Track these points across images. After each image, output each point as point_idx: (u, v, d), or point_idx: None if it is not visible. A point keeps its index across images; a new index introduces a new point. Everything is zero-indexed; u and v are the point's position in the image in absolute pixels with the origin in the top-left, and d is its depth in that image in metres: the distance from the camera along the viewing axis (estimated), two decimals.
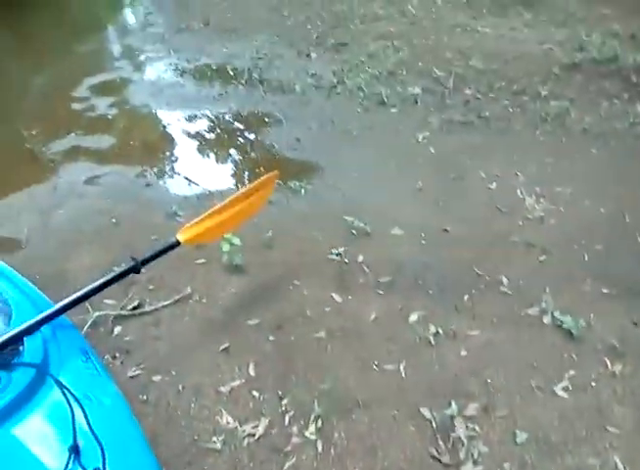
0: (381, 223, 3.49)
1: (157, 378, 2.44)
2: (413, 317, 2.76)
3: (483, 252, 3.26)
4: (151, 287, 2.96)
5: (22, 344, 1.85)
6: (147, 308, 2.84)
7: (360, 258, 3.18)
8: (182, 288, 2.96)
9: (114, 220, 3.61)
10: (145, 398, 2.35)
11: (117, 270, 2.11)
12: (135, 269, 2.14)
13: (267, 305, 2.82)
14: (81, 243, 3.39)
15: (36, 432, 1.57)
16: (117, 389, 1.78)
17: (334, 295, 2.90)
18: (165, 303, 2.87)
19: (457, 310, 2.84)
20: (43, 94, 6.27)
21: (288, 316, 2.76)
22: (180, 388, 2.39)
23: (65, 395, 1.61)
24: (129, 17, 10.83)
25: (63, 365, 1.80)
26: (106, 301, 2.89)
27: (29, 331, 1.91)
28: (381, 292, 2.93)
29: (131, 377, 2.46)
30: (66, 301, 2.06)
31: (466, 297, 2.92)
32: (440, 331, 2.68)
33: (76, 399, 1.61)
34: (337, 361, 2.52)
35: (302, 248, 3.28)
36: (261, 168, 4.25)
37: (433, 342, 2.62)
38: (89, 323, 2.71)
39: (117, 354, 2.58)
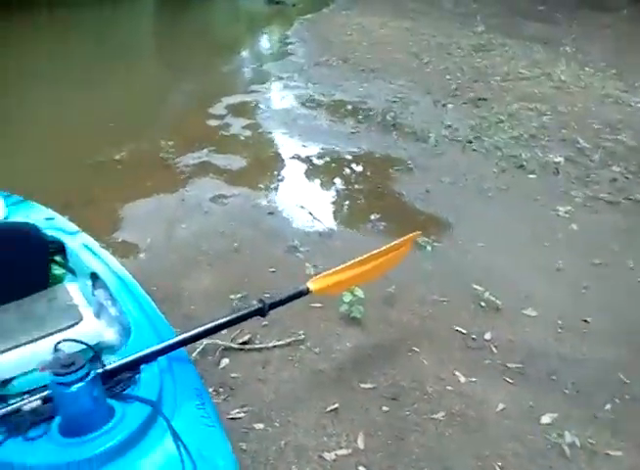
0: (513, 299, 3.18)
1: (259, 426, 2.27)
2: (545, 419, 2.41)
3: (631, 354, 2.85)
4: (264, 323, 2.83)
5: (139, 372, 1.74)
6: (257, 345, 2.71)
7: (488, 336, 2.88)
8: (295, 331, 2.81)
9: (235, 245, 3.56)
10: (244, 447, 2.18)
11: (243, 311, 2.00)
12: (261, 312, 2.01)
13: (383, 369, 2.59)
14: (201, 263, 3.35)
15: None
16: (231, 449, 1.63)
17: (456, 372, 2.62)
18: (276, 343, 2.72)
19: (596, 420, 2.46)
20: (184, 107, 6.54)
21: (404, 387, 2.51)
22: (282, 444, 2.20)
23: (179, 448, 1.47)
24: (269, 43, 11.26)
25: (177, 408, 1.65)
26: None
27: (148, 359, 1.80)
28: (509, 380, 2.62)
29: (232, 418, 2.31)
30: (188, 333, 1.94)
31: (608, 406, 2.53)
32: (577, 442, 2.32)
33: (190, 457, 1.46)
34: (454, 453, 2.23)
35: (425, 312, 3.04)
36: (387, 215, 4.08)
37: (568, 454, 2.27)
38: (198, 350, 2.61)
39: (221, 389, 2.44)
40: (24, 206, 2.93)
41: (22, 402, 1.56)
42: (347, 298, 2.86)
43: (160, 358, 1.81)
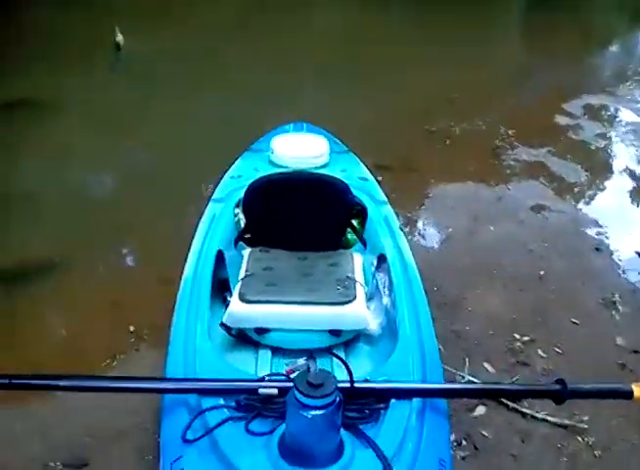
0: None
1: None
2: None
3: None
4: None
5: (387, 408, 1.45)
6: (523, 409, 2.19)
7: None
8: (578, 413, 2.18)
9: (541, 272, 2.99)
10: None
11: (539, 387, 1.56)
12: (558, 397, 1.50)
13: None
14: (494, 279, 2.90)
15: None
16: None
17: None
18: (548, 417, 2.16)
19: None
20: (535, 96, 5.85)
21: None
22: None
23: None
24: None
25: None
26: (485, 364, 2.37)
27: (404, 395, 1.49)
28: None
29: None
30: (460, 386, 1.59)
31: None
32: None
33: None
34: None
35: None
36: None
37: None
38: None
39: (464, 443, 2.04)
40: (346, 158, 2.86)
41: (262, 384, 1.42)
42: None
43: (414, 400, 1.49)
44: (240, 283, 1.95)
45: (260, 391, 1.38)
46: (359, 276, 2.04)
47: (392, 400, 1.43)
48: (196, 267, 1.98)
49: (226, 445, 1.28)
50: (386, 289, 2.11)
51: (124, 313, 2.56)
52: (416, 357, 1.65)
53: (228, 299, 2.07)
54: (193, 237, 2.16)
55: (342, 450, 1.23)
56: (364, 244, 2.34)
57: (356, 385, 1.30)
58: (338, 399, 1.14)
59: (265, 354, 1.87)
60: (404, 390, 1.48)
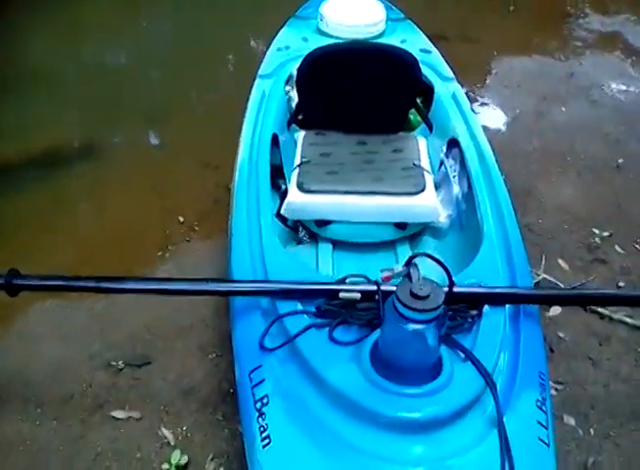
0: None
1: (569, 421, 1.71)
2: None
3: None
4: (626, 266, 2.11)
5: (480, 316, 1.26)
6: (600, 310, 2.01)
7: None
8: None
9: (619, 161, 2.67)
10: None
11: None
12: None
13: None
14: (568, 167, 2.62)
15: None
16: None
17: None
18: (626, 318, 1.98)
19: None
20: None
21: None
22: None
23: (503, 461, 1.01)
24: None
25: (514, 397, 1.16)
26: (560, 261, 2.16)
27: (497, 300, 1.31)
28: None
29: None
30: (571, 291, 1.41)
31: None
32: None
33: None
34: None
35: None
36: None
37: None
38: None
39: None
40: (404, 26, 2.52)
41: (343, 286, 1.26)
42: None
43: (507, 307, 1.30)
44: (296, 170, 1.78)
45: (342, 295, 1.23)
46: (425, 163, 1.85)
47: (485, 307, 1.26)
48: (250, 153, 1.78)
49: (310, 354, 1.14)
50: (456, 178, 1.90)
51: (170, 202, 2.38)
52: (502, 258, 1.46)
53: (283, 187, 1.91)
54: (243, 118, 1.93)
55: (440, 366, 1.10)
56: (430, 127, 2.08)
57: (455, 289, 1.12)
58: (442, 308, 0.98)
59: (326, 248, 1.77)
60: (499, 295, 1.31)
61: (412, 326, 0.98)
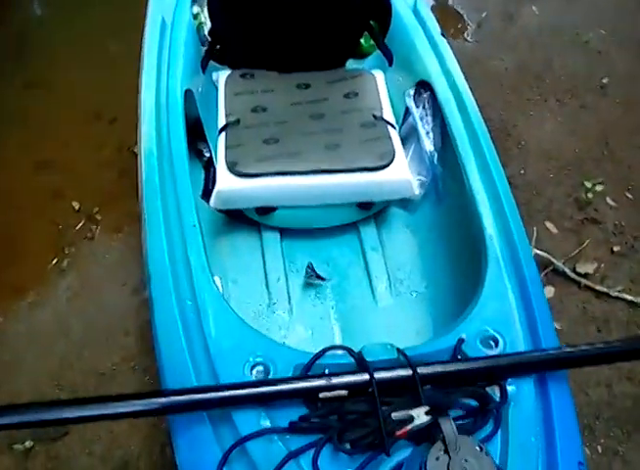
0: None
1: None
2: None
3: None
4: (620, 251, 1.79)
5: (504, 388, 0.88)
6: (598, 287, 1.73)
7: None
8: None
9: (603, 80, 2.27)
10: None
11: None
12: None
13: None
14: (546, 94, 2.21)
15: None
16: None
17: None
18: (623, 294, 1.72)
19: None
20: None
21: None
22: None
23: None
24: None
25: None
26: (547, 224, 1.81)
27: (522, 371, 0.92)
28: None
29: None
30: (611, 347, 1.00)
31: None
32: None
33: None
34: None
35: None
36: None
37: None
38: None
39: None
40: None
41: (322, 383, 0.82)
42: None
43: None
44: (222, 137, 1.34)
45: (322, 395, 0.81)
46: (388, 113, 1.44)
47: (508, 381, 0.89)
48: (157, 114, 1.25)
49: None
50: (430, 133, 1.44)
51: (58, 179, 1.75)
52: (513, 283, 1.05)
53: (206, 154, 1.45)
54: (141, 61, 1.36)
55: None
56: (389, 58, 1.57)
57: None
58: None
59: (272, 239, 1.40)
60: (529, 362, 0.92)
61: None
